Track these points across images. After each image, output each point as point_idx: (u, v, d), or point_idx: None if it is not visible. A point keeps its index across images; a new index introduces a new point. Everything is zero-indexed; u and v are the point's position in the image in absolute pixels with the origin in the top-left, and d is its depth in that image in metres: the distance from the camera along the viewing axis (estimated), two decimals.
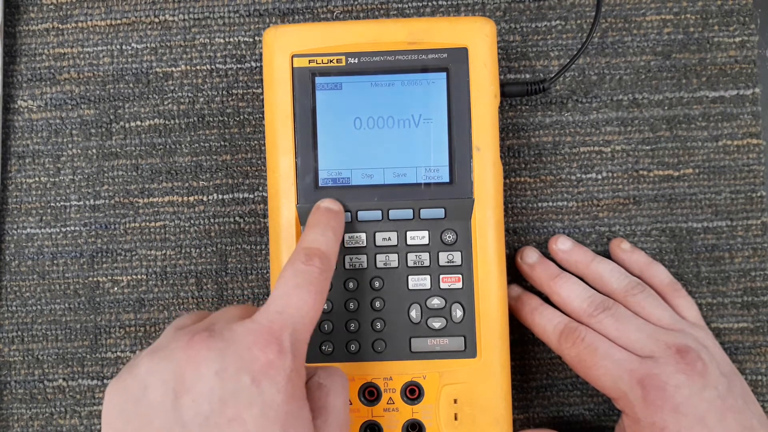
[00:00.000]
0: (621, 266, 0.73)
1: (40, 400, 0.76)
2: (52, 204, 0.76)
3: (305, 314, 0.55)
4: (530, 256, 0.73)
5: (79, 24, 0.77)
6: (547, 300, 0.72)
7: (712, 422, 0.61)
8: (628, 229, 0.76)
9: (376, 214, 0.66)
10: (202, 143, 0.76)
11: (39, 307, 0.76)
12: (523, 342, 0.76)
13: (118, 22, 0.77)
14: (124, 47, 0.77)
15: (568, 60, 0.75)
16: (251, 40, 0.77)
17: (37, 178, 0.76)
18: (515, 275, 0.75)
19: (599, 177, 0.76)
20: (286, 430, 0.50)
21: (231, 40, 0.77)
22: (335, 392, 0.56)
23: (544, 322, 0.70)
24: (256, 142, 0.76)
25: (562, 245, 0.74)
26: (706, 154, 0.76)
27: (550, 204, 0.76)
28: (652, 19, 0.77)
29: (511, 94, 0.72)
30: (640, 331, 0.66)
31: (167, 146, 0.76)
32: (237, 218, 0.76)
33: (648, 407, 0.62)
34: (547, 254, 0.75)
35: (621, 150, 0.76)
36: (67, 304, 0.76)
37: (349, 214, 0.66)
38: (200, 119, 0.76)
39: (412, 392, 0.65)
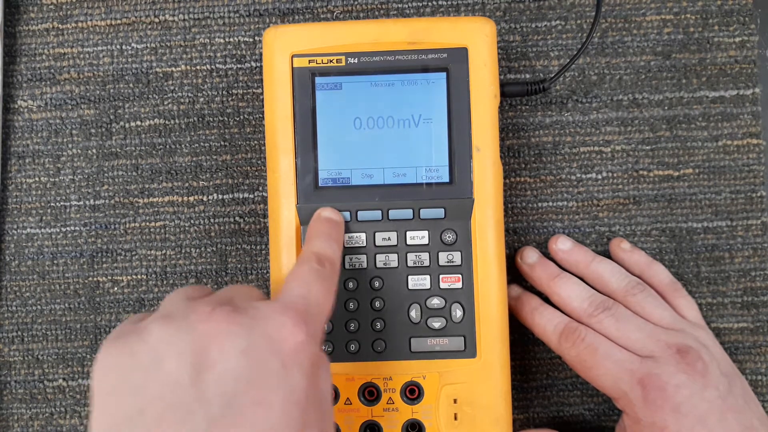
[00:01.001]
0: (621, 266, 0.73)
1: (40, 400, 0.76)
2: (52, 204, 0.76)
3: (323, 306, 0.55)
4: (530, 256, 0.73)
5: (79, 24, 0.77)
6: (547, 300, 0.72)
7: (713, 422, 0.61)
8: (628, 229, 0.76)
9: (376, 214, 0.66)
10: (202, 143, 0.76)
11: (39, 307, 0.76)
12: (523, 342, 0.76)
13: (118, 22, 0.77)
14: (124, 47, 0.77)
15: (568, 60, 0.75)
16: (251, 40, 0.77)
17: (37, 178, 0.76)
18: (515, 275, 0.75)
19: (599, 177, 0.76)
20: (308, 416, 0.48)
21: (231, 40, 0.77)
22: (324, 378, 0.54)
23: (544, 322, 0.70)
24: (256, 142, 0.76)
25: (562, 245, 0.74)
26: (706, 154, 0.76)
27: (550, 204, 0.76)
28: (652, 19, 0.77)
29: (511, 94, 0.72)
30: (641, 330, 0.66)
31: (167, 146, 0.76)
32: (237, 218, 0.76)
33: (648, 407, 0.62)
34: (547, 254, 0.75)
35: (621, 150, 0.76)
36: (67, 304, 0.76)
37: (348, 213, 0.66)
38: (200, 119, 0.76)
39: (412, 392, 0.65)
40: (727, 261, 0.76)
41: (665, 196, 0.76)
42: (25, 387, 0.76)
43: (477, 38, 0.67)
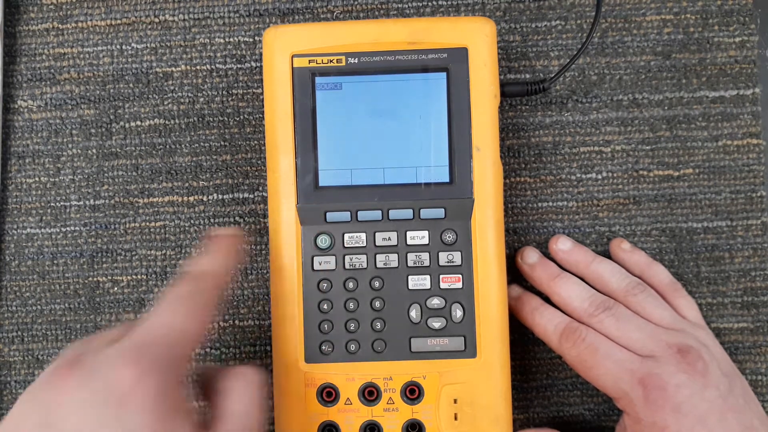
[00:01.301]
0: (621, 266, 0.73)
1: None
2: (52, 204, 0.76)
3: (179, 330, 0.54)
4: (530, 257, 0.73)
5: (79, 24, 0.77)
6: (547, 300, 0.72)
7: (713, 422, 0.62)
8: (628, 229, 0.76)
9: (376, 214, 0.66)
10: (202, 143, 0.76)
11: (39, 307, 0.76)
12: (523, 342, 0.76)
13: (118, 22, 0.77)
14: (124, 47, 0.77)
15: (568, 60, 0.75)
16: (251, 40, 0.77)
17: (37, 178, 0.76)
18: (515, 275, 0.75)
19: (599, 177, 0.76)
20: None
21: (231, 40, 0.77)
22: (235, 396, 0.56)
23: (545, 322, 0.70)
24: (256, 142, 0.76)
25: (562, 245, 0.74)
26: (706, 154, 0.76)
27: (550, 204, 0.76)
28: (652, 19, 0.77)
29: (511, 94, 0.72)
30: (641, 330, 0.66)
31: (167, 146, 0.76)
32: (237, 218, 0.76)
33: (649, 407, 0.62)
34: (547, 254, 0.75)
35: (621, 150, 0.76)
36: (67, 304, 0.76)
37: (349, 213, 0.66)
38: (200, 119, 0.76)
39: (412, 392, 0.65)
40: (727, 261, 0.76)
41: (665, 196, 0.76)
42: (25, 387, 0.75)
43: (477, 38, 0.67)
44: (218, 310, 0.59)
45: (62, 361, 0.51)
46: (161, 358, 0.52)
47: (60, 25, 0.77)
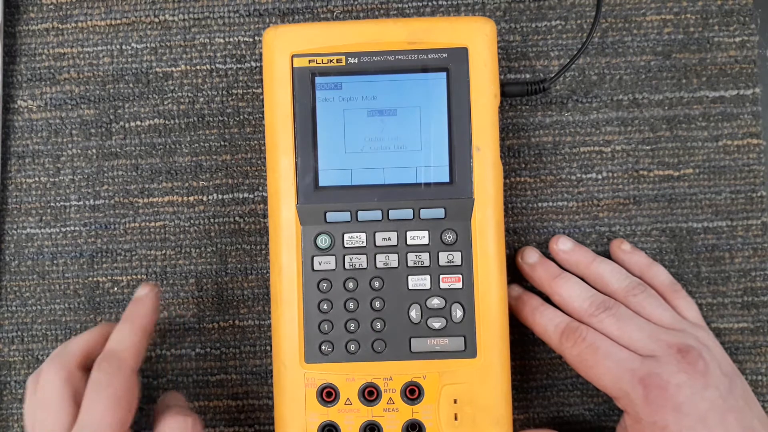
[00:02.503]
0: (621, 267, 0.73)
1: None
2: (52, 204, 0.76)
3: (105, 421, 0.59)
4: (531, 256, 0.74)
5: (79, 24, 0.77)
6: (547, 300, 0.72)
7: (713, 422, 0.62)
8: (628, 229, 0.76)
9: (376, 214, 0.66)
10: (202, 143, 0.76)
11: (39, 307, 0.76)
12: (523, 342, 0.76)
13: (118, 22, 0.77)
14: (124, 47, 0.77)
15: (568, 60, 0.75)
16: (251, 40, 0.77)
17: (37, 178, 0.76)
18: (516, 275, 0.75)
19: (599, 177, 0.76)
20: None
21: (231, 40, 0.77)
22: None
23: (545, 322, 0.70)
24: (256, 142, 0.76)
25: (562, 246, 0.74)
26: (706, 154, 0.76)
27: (550, 204, 0.76)
28: (652, 19, 0.77)
29: (511, 94, 0.72)
30: (641, 330, 0.66)
31: (167, 146, 0.76)
32: (237, 218, 0.76)
33: (649, 406, 0.62)
34: (547, 254, 0.75)
35: (621, 150, 0.76)
36: (67, 304, 0.76)
37: (349, 213, 0.66)
38: (200, 119, 0.76)
39: (412, 392, 0.65)
40: (727, 261, 0.76)
41: (665, 196, 0.76)
42: (25, 387, 0.76)
43: (477, 38, 0.67)
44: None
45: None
46: None
47: (60, 25, 0.77)
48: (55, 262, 0.76)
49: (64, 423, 0.59)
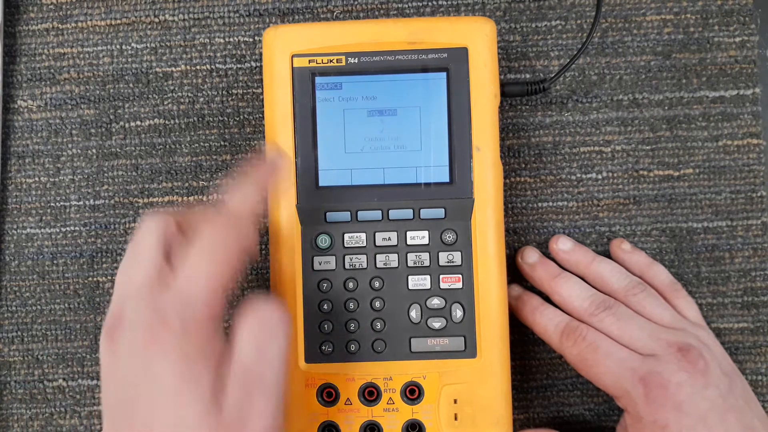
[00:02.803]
0: (621, 266, 0.73)
1: (40, 400, 0.76)
2: (52, 204, 0.76)
3: (206, 284, 0.54)
4: (531, 256, 0.74)
5: (79, 24, 0.77)
6: (547, 300, 0.72)
7: (714, 421, 0.62)
8: (628, 229, 0.76)
9: (376, 214, 0.66)
10: (202, 143, 0.76)
11: (39, 307, 0.76)
12: (523, 342, 0.76)
13: (118, 22, 0.77)
14: (124, 47, 0.77)
15: (569, 60, 0.75)
16: (251, 40, 0.77)
17: (37, 178, 0.76)
18: (516, 275, 0.75)
19: (599, 177, 0.76)
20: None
21: (231, 40, 0.77)
22: (244, 334, 0.54)
23: (545, 321, 0.70)
24: (256, 142, 0.76)
25: (562, 245, 0.74)
26: (706, 154, 0.76)
27: (550, 204, 0.76)
28: (652, 19, 0.77)
29: (511, 94, 0.72)
30: (642, 329, 0.66)
31: (167, 146, 0.76)
32: None
33: (650, 405, 0.62)
34: (547, 254, 0.75)
35: (621, 150, 0.76)
36: (67, 304, 0.76)
37: (349, 214, 0.66)
38: (200, 119, 0.76)
39: (412, 392, 0.65)
40: (727, 261, 0.76)
41: (665, 196, 0.76)
42: (25, 387, 0.75)
43: (477, 38, 0.67)
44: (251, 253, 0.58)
45: (108, 322, 0.55)
46: (191, 317, 0.53)
47: (60, 25, 0.77)
48: (55, 262, 0.76)
49: (151, 277, 0.54)
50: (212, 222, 0.56)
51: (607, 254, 0.75)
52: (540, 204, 0.76)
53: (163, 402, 0.51)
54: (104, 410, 0.54)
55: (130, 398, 0.52)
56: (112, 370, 0.54)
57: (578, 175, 0.76)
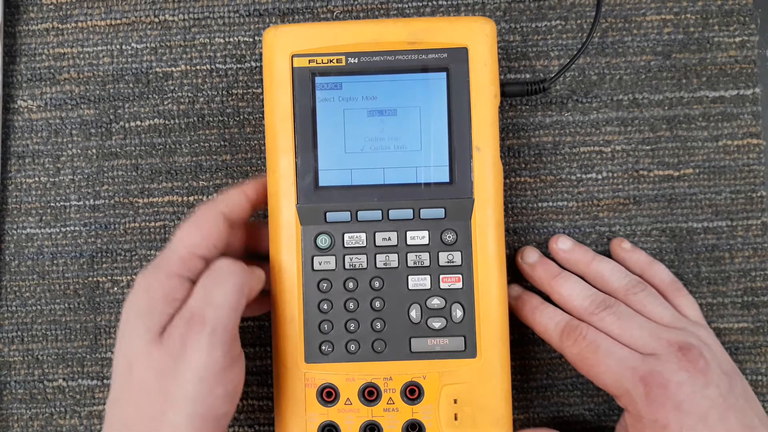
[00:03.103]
0: (622, 266, 0.73)
1: (40, 400, 0.76)
2: (52, 204, 0.76)
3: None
4: (530, 256, 0.74)
5: (79, 24, 0.77)
6: (547, 299, 0.72)
7: (714, 420, 0.62)
8: (628, 229, 0.76)
9: (376, 214, 0.66)
10: (202, 143, 0.76)
11: (39, 307, 0.76)
12: (524, 342, 0.76)
13: (118, 22, 0.77)
14: (124, 47, 0.77)
15: (568, 60, 0.75)
16: (251, 40, 0.77)
17: (37, 178, 0.76)
18: (516, 275, 0.75)
19: (599, 177, 0.76)
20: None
21: (231, 40, 0.77)
22: (199, 287, 0.62)
23: (546, 321, 0.70)
24: (256, 142, 0.76)
25: (562, 245, 0.74)
26: (706, 154, 0.76)
27: (550, 204, 0.76)
28: (652, 19, 0.77)
29: (511, 94, 0.72)
30: (642, 328, 0.66)
31: (167, 146, 0.76)
32: None
33: (650, 404, 0.63)
34: (547, 254, 0.75)
35: (621, 150, 0.76)
36: (67, 304, 0.76)
37: (349, 213, 0.66)
38: (200, 119, 0.76)
39: (412, 392, 0.65)
40: (727, 261, 0.76)
41: (665, 196, 0.76)
42: (25, 387, 0.76)
43: (477, 38, 0.67)
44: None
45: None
46: (164, 266, 0.62)
47: (60, 25, 0.77)
48: (55, 262, 0.76)
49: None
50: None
51: (608, 254, 0.75)
52: (540, 204, 0.76)
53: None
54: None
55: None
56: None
57: (578, 175, 0.76)
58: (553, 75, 0.74)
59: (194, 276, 0.62)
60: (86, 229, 0.76)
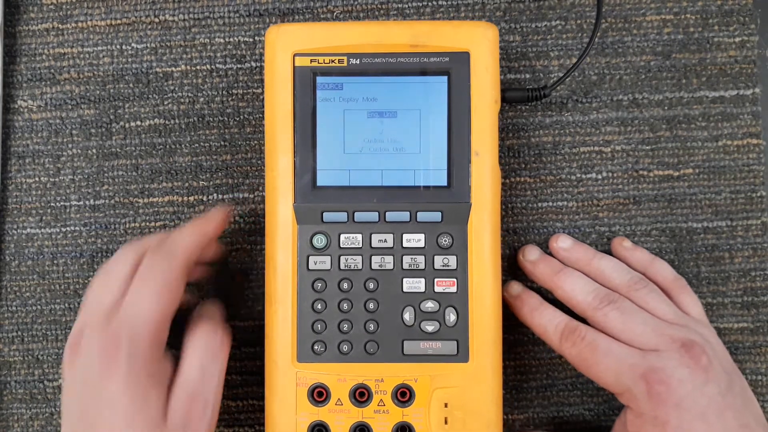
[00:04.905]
0: (623, 263, 0.73)
1: (40, 400, 0.76)
2: (52, 204, 0.77)
3: (149, 308, 0.61)
4: (532, 253, 0.74)
5: (79, 24, 0.77)
6: (548, 299, 0.72)
7: (712, 418, 0.62)
8: (628, 229, 0.76)
9: (373, 216, 0.66)
10: (202, 143, 0.76)
11: (39, 307, 0.76)
12: (523, 342, 0.76)
13: (118, 22, 0.77)
14: (124, 47, 0.77)
15: (569, 61, 0.75)
16: (251, 40, 0.77)
17: (37, 178, 0.77)
18: (517, 275, 0.75)
19: (599, 177, 0.76)
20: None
21: (231, 40, 0.77)
22: (190, 352, 0.64)
23: (545, 322, 0.70)
24: (256, 142, 0.76)
25: (562, 243, 0.74)
26: (706, 154, 0.76)
27: (550, 204, 0.76)
28: (652, 19, 0.76)
29: (512, 99, 0.73)
30: (645, 324, 0.66)
31: (167, 146, 0.76)
32: (237, 218, 0.76)
33: (652, 401, 0.63)
34: (547, 254, 0.75)
35: (621, 150, 0.76)
36: (67, 304, 0.76)
37: (345, 214, 0.67)
38: (200, 119, 0.76)
39: (403, 395, 0.65)
40: (727, 261, 0.76)
41: (665, 196, 0.76)
42: (25, 387, 0.76)
43: (479, 43, 0.67)
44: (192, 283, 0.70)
45: (71, 339, 0.63)
46: (138, 343, 0.60)
47: (60, 25, 0.77)
48: (55, 262, 0.77)
49: (110, 303, 0.62)
50: (152, 252, 0.64)
51: (608, 254, 0.75)
52: (540, 204, 0.76)
53: (117, 422, 0.58)
54: (64, 417, 0.62)
55: (88, 415, 0.60)
56: (72, 385, 0.62)
57: (578, 175, 0.76)
58: (553, 79, 0.74)
59: (164, 339, 0.64)
60: (86, 229, 0.77)
